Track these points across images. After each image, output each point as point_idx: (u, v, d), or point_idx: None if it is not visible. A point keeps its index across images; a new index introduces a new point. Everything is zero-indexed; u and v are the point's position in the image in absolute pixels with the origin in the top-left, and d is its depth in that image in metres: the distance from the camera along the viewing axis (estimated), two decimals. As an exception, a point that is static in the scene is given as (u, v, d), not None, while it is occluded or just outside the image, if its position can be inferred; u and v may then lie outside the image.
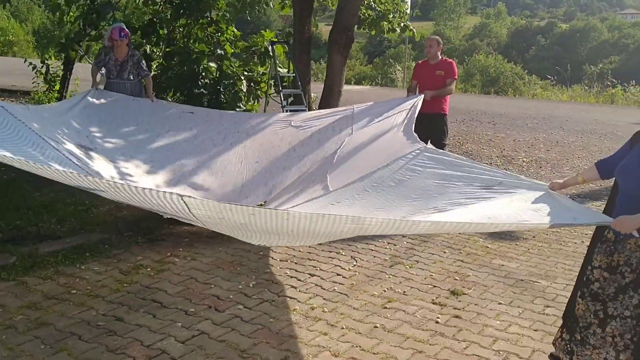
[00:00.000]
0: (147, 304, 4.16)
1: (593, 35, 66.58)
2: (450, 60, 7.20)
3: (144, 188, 3.59)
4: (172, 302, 4.20)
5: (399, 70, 32.71)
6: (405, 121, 5.71)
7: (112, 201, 6.08)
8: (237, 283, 4.61)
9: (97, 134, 5.93)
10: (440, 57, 7.14)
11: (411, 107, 5.98)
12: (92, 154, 5.59)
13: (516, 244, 5.99)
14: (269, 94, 9.94)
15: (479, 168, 4.28)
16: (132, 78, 6.88)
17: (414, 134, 5.39)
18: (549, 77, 28.06)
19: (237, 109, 9.49)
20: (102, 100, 6.42)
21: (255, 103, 10.25)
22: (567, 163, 9.89)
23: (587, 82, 23.71)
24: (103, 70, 7.06)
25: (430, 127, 6.72)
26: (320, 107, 8.99)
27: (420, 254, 5.55)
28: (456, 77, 7.14)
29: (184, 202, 3.34)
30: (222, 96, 9.28)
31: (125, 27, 6.92)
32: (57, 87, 11.04)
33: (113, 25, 7.09)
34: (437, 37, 7.34)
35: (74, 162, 4.78)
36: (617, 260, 3.02)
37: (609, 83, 21.48)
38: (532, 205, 3.40)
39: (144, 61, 7.10)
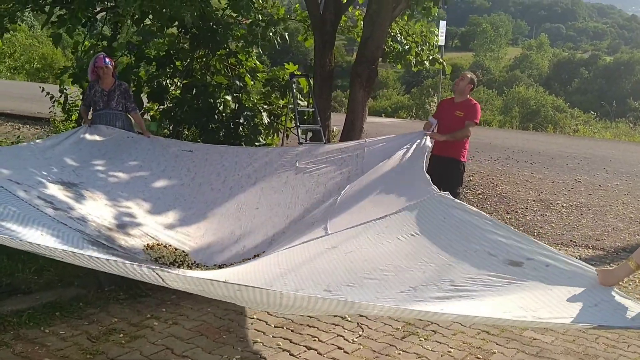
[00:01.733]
0: (109, 382, 3.57)
1: (638, 69, 64.91)
2: (474, 102, 6.48)
3: (108, 259, 3.17)
4: (138, 381, 3.60)
5: (434, 102, 32.07)
6: (415, 160, 5.10)
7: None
8: (219, 356, 3.97)
9: (86, 169, 5.53)
10: (467, 97, 6.47)
11: (422, 146, 5.45)
12: (78, 190, 5.16)
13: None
14: (289, 128, 9.45)
15: (505, 230, 3.58)
16: (121, 109, 6.49)
17: (427, 175, 4.76)
18: (591, 111, 26.92)
19: (256, 143, 9.04)
20: (95, 137, 6.02)
21: (275, 137, 9.79)
22: (612, 210, 9.03)
23: (632, 119, 22.56)
24: None
25: (444, 172, 6.19)
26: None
27: (439, 323, 4.83)
28: (477, 120, 6.38)
29: (158, 275, 2.89)
30: (241, 129, 8.84)
31: (108, 56, 6.60)
32: (74, 117, 10.74)
33: (96, 55, 6.72)
34: (472, 74, 6.66)
35: (41, 212, 4.30)
36: None
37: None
38: (575, 293, 2.71)
39: (131, 93, 6.73)
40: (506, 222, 8.11)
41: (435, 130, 6.19)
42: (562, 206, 9.12)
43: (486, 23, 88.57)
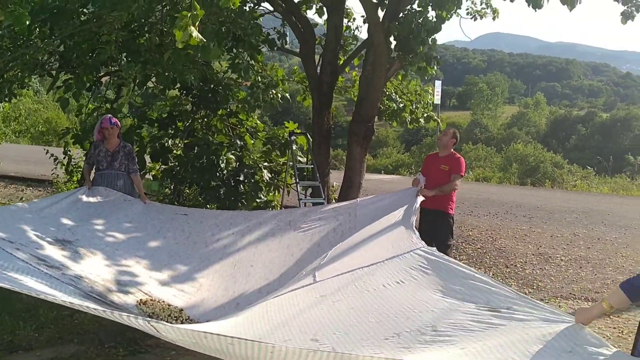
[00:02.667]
0: None
1: (635, 125, 65.75)
2: (458, 155, 6.72)
3: (105, 310, 3.24)
4: None
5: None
6: (405, 216, 5.23)
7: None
8: (219, 412, 3.96)
9: (82, 227, 5.66)
10: (450, 151, 6.71)
11: (411, 202, 5.59)
12: (73, 247, 5.28)
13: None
14: (289, 184, 9.61)
15: (487, 283, 3.67)
16: (123, 170, 6.65)
17: (415, 231, 4.88)
18: (589, 167, 27.20)
19: (257, 200, 9.19)
20: (93, 199, 6.16)
21: (276, 194, 9.94)
22: (611, 263, 9.05)
23: (629, 174, 22.78)
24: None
25: (434, 225, 6.48)
26: (339, 200, 8.61)
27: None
28: (462, 173, 6.62)
29: (153, 327, 2.98)
30: (242, 186, 8.99)
31: (114, 118, 6.78)
32: (76, 178, 10.92)
33: (102, 116, 6.93)
34: (455, 129, 6.93)
35: (35, 268, 4.39)
36: None
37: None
38: (550, 339, 2.80)
39: (135, 155, 6.91)
40: (505, 276, 8.15)
41: (424, 186, 6.34)
42: (561, 260, 9.16)
43: (482, 83, 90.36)
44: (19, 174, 16.92)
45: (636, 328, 2.93)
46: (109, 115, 6.86)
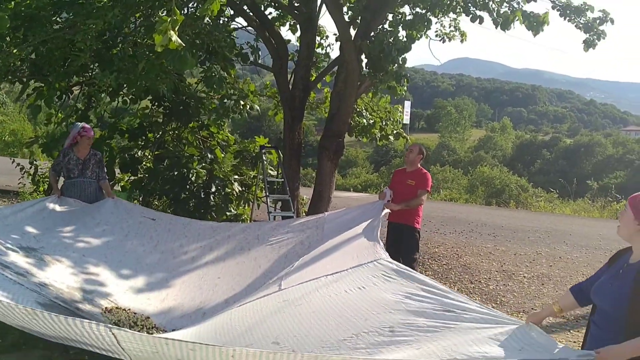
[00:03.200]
0: None
1: (598, 150, 67.50)
2: (425, 171, 6.87)
3: (67, 317, 3.15)
4: None
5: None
6: (370, 228, 5.38)
7: (66, 312, 5.62)
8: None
9: (47, 235, 5.62)
10: (417, 167, 6.86)
11: (377, 215, 5.75)
12: (38, 255, 5.26)
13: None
14: (259, 197, 9.68)
15: (443, 290, 3.82)
16: (94, 178, 6.67)
17: (380, 241, 5.03)
18: (552, 190, 27.88)
19: (227, 213, 9.22)
20: (60, 208, 6.11)
21: (246, 207, 9.99)
22: (571, 280, 9.29)
23: (590, 197, 23.42)
24: None
25: (400, 239, 6.62)
26: (309, 213, 8.71)
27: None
28: (428, 189, 6.75)
29: (113, 334, 2.95)
30: (212, 199, 9.02)
31: (89, 127, 6.82)
32: (42, 188, 10.80)
33: (76, 124, 6.93)
34: (421, 145, 7.09)
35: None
36: None
37: (610, 198, 21.22)
38: (502, 339, 2.95)
39: (104, 163, 6.98)
40: (470, 291, 8.31)
41: (391, 200, 6.47)
42: (524, 276, 9.37)
43: (450, 106, 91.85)
44: (-18, 184, 16.61)
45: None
46: (83, 124, 6.86)
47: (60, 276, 5.20)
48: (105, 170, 7.00)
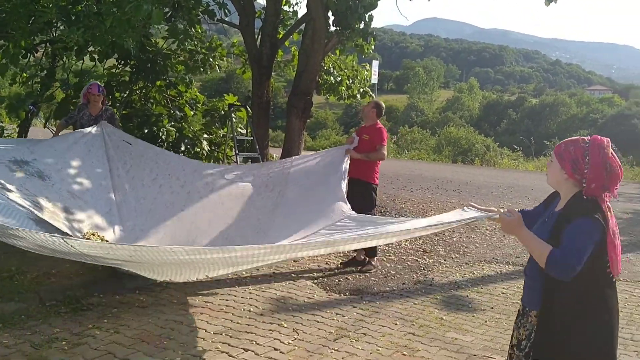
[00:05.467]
0: (52, 382, 3.70)
1: (562, 110, 68.49)
2: (380, 126, 6.90)
3: (24, 229, 3.60)
4: (81, 381, 3.74)
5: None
6: (335, 183, 5.69)
7: (40, 267, 5.73)
8: (161, 359, 4.16)
9: (39, 149, 5.84)
10: (374, 122, 6.91)
11: (340, 161, 6.15)
12: (27, 166, 5.46)
13: (473, 316, 5.63)
14: (229, 156, 9.75)
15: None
16: None
17: (345, 200, 5.38)
18: (516, 147, 28.51)
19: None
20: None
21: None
22: (532, 232, 9.68)
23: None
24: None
25: (357, 194, 6.73)
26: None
27: (370, 326, 5.16)
28: (384, 143, 6.78)
29: (65, 241, 3.45)
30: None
31: (101, 85, 7.17)
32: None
33: (90, 82, 7.25)
34: (378, 100, 7.19)
35: None
36: (521, 335, 2.75)
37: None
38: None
39: (117, 117, 7.26)
40: (434, 243, 8.60)
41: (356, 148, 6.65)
42: (487, 229, 9.71)
43: (419, 67, 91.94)
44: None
45: None
46: (96, 82, 7.19)
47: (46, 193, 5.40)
48: (119, 125, 7.27)
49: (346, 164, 6.05)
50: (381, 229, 4.06)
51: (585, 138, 2.62)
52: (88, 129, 6.54)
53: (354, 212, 5.36)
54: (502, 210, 2.91)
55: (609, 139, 2.61)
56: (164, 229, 5.65)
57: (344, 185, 5.72)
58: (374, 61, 19.94)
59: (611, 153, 2.57)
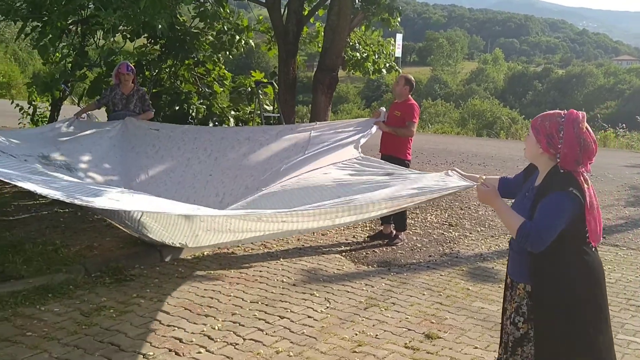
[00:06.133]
0: (104, 347, 3.97)
1: (589, 81, 67.37)
2: (411, 102, 6.93)
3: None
4: (130, 346, 4.01)
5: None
6: (355, 138, 5.96)
7: (82, 241, 6.03)
8: (202, 325, 4.43)
9: (66, 145, 6.10)
10: (406, 98, 6.95)
11: (365, 129, 6.28)
12: (56, 162, 5.73)
13: (499, 287, 5.78)
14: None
15: (400, 168, 4.89)
16: (137, 111, 7.16)
17: (359, 147, 5.69)
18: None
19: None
20: (78, 127, 6.56)
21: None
22: (557, 204, 9.75)
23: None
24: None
25: None
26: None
27: (398, 296, 5.37)
28: (414, 120, 6.83)
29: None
30: (210, 134, 9.32)
31: (130, 64, 7.35)
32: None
33: (120, 63, 7.48)
34: (408, 75, 7.20)
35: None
36: (511, 308, 2.83)
37: (603, 125, 21.65)
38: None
39: (147, 97, 7.42)
40: (460, 217, 8.74)
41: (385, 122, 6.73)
42: (511, 202, 9.81)
43: (442, 38, 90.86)
44: (-23, 125, 16.68)
45: None
46: (126, 62, 7.39)
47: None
48: (149, 103, 7.43)
49: (372, 131, 6.27)
50: (368, 196, 4.24)
51: (562, 112, 2.62)
52: (113, 124, 6.82)
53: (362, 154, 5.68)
54: (482, 179, 2.97)
55: (584, 114, 2.61)
56: (194, 195, 5.91)
57: (362, 140, 5.96)
58: (397, 34, 19.92)
59: (585, 128, 2.57)
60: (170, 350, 3.99)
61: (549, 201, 2.56)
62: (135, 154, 6.41)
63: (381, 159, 6.88)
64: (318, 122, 7.09)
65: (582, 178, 2.60)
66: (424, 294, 5.47)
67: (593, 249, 2.68)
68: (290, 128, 6.86)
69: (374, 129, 6.33)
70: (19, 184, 3.43)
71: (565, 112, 2.63)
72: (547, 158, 2.66)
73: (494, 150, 16.62)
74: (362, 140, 5.92)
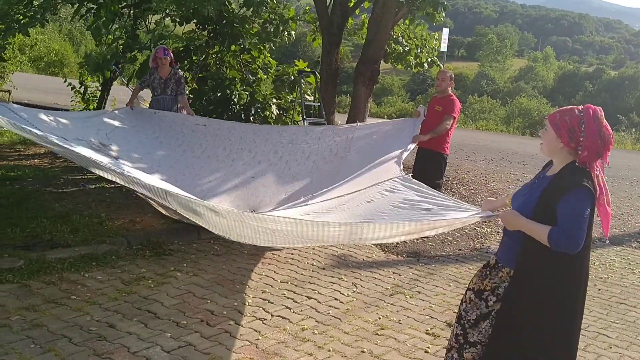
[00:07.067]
0: (141, 313, 4.25)
1: (643, 84, 65.20)
2: (453, 97, 6.99)
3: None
4: (165, 314, 4.28)
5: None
6: (396, 154, 5.97)
7: (126, 215, 6.35)
8: (234, 300, 4.67)
9: (117, 134, 6.33)
10: (447, 93, 7.01)
11: (405, 143, 6.32)
12: (105, 149, 5.97)
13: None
14: (297, 121, 10.14)
15: (440, 197, 4.45)
16: (174, 95, 7.42)
17: (400, 164, 5.67)
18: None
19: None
20: (128, 115, 6.80)
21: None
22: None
23: (625, 129, 23.25)
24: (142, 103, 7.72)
25: (427, 164, 6.93)
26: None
27: (424, 286, 5.51)
28: (454, 114, 6.84)
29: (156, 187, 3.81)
30: (252, 119, 9.54)
31: (167, 48, 7.54)
32: (92, 107, 11.43)
33: (157, 47, 7.67)
34: (450, 71, 7.24)
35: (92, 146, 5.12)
36: (485, 285, 2.94)
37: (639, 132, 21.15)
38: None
39: (184, 81, 7.63)
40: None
41: (420, 127, 6.77)
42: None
43: (492, 34, 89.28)
44: (32, 101, 17.33)
45: None
46: (163, 46, 7.62)
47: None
48: (185, 86, 7.66)
49: (410, 147, 6.34)
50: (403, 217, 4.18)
51: (579, 107, 2.71)
52: (165, 116, 7.04)
53: (403, 174, 5.65)
54: (501, 211, 3.05)
55: (601, 108, 2.69)
56: (235, 193, 6.14)
57: (404, 155, 6.01)
58: (444, 29, 19.81)
59: (604, 121, 2.67)
60: (202, 321, 4.23)
61: (571, 201, 2.63)
62: (182, 151, 6.62)
63: (418, 152, 6.99)
64: (359, 123, 7.21)
65: (594, 174, 2.69)
66: (449, 285, 5.59)
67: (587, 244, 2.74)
68: (331, 129, 6.96)
69: (412, 145, 6.44)
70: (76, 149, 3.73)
71: (582, 107, 2.72)
72: (567, 152, 2.74)
73: (535, 149, 16.34)
74: (404, 155, 6.02)
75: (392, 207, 4.49)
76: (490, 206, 3.32)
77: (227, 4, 9.19)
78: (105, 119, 6.54)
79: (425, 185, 4.77)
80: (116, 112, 6.83)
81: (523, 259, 2.79)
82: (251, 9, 8.98)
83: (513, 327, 2.80)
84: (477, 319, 2.93)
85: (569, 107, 2.77)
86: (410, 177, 5.11)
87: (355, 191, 5.27)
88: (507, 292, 2.84)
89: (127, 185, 4.50)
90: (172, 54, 7.65)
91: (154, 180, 3.86)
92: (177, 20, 9.25)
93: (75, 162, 4.65)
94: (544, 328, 2.74)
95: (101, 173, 4.58)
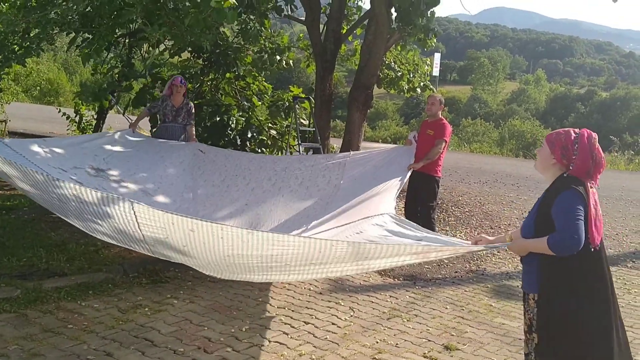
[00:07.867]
0: (138, 341, 4.24)
1: (635, 105, 65.78)
2: (443, 121, 7.14)
3: (96, 190, 3.75)
4: (163, 342, 4.27)
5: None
6: (390, 190, 6.07)
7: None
8: (231, 327, 4.67)
9: (115, 158, 6.38)
10: (438, 117, 7.16)
11: (401, 175, 6.48)
12: (104, 174, 6.03)
13: (522, 304, 5.88)
14: (292, 145, 10.22)
15: (430, 233, 4.63)
16: (185, 124, 7.51)
17: (394, 200, 5.74)
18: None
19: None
20: (132, 138, 6.89)
21: (280, 154, 10.56)
22: (589, 227, 9.71)
23: (618, 150, 23.43)
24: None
25: (420, 187, 7.05)
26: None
27: (421, 309, 5.52)
28: (445, 138, 6.98)
29: (134, 210, 3.45)
30: (248, 144, 9.63)
31: (184, 78, 7.73)
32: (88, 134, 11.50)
33: (175, 75, 7.86)
34: (439, 95, 7.42)
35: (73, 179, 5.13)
36: (527, 320, 3.01)
37: (632, 152, 21.32)
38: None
39: (194, 112, 7.74)
40: (490, 236, 8.79)
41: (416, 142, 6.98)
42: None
43: (484, 57, 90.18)
44: (27, 131, 17.40)
45: None
46: (180, 76, 7.79)
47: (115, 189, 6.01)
48: (194, 118, 7.77)
49: (406, 178, 6.51)
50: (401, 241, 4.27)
51: (576, 130, 2.86)
52: (161, 142, 7.16)
53: (393, 212, 5.72)
54: (509, 236, 3.18)
55: (596, 134, 2.85)
56: (230, 219, 6.19)
57: (398, 189, 6.19)
58: (435, 53, 20.05)
59: (597, 145, 2.82)
60: (199, 348, 4.23)
61: (560, 204, 2.77)
62: (182, 171, 6.73)
63: (411, 176, 7.06)
64: (352, 152, 7.34)
65: (588, 185, 2.82)
66: (446, 308, 5.60)
67: (593, 250, 2.82)
68: (325, 159, 7.07)
69: (408, 174, 6.56)
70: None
71: (579, 130, 2.86)
72: (559, 168, 2.88)
73: (529, 171, 16.48)
74: (401, 185, 6.17)
75: (383, 237, 4.60)
76: (484, 242, 3.42)
77: (222, 33, 9.32)
78: (104, 144, 6.59)
79: (417, 225, 4.87)
80: (116, 136, 6.89)
81: (544, 279, 2.86)
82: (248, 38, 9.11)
83: (551, 343, 2.86)
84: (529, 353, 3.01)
85: (567, 128, 2.91)
86: (404, 218, 5.33)
87: (346, 224, 5.40)
88: (538, 317, 2.89)
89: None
90: (187, 84, 7.80)
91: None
92: (172, 51, 9.36)
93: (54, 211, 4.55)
94: (580, 341, 2.80)
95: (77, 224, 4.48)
